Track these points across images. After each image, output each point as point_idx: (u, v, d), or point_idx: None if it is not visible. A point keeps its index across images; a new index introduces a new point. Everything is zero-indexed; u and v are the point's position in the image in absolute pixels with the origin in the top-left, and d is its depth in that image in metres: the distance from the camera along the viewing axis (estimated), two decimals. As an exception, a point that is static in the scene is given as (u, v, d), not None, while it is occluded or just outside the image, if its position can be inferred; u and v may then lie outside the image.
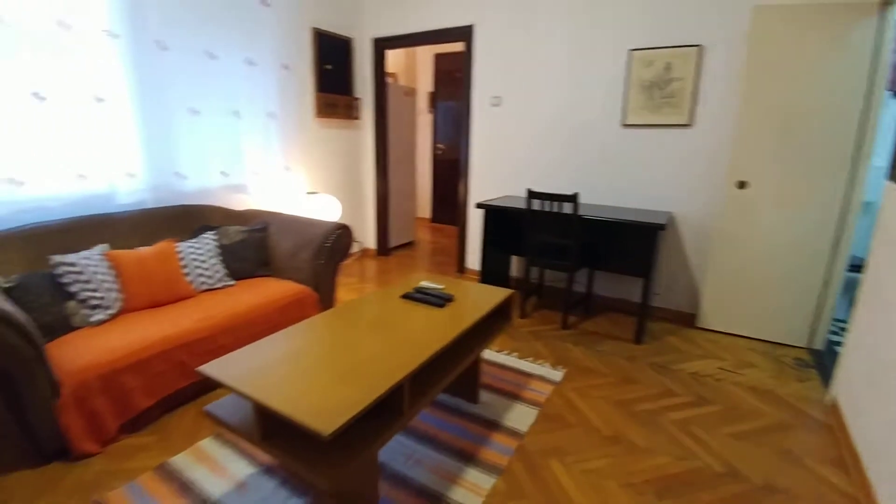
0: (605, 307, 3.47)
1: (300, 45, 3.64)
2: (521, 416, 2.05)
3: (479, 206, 3.25)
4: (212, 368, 1.37)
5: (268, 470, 1.70)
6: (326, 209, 3.63)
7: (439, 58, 6.01)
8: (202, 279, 2.55)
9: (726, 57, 2.83)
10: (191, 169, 2.96)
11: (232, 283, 2.65)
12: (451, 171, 6.05)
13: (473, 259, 4.07)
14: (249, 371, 1.36)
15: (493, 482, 1.66)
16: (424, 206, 6.50)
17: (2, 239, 2.16)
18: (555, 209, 2.90)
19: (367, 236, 4.73)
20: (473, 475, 1.69)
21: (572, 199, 2.74)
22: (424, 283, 2.11)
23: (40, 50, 2.31)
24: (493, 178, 3.87)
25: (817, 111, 2.55)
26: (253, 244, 2.79)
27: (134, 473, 1.70)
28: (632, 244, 2.99)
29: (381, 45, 4.25)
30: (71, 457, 1.77)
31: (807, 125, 2.59)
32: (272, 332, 1.73)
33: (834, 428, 2.04)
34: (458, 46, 4.82)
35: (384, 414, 1.41)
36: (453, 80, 5.87)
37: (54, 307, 2.03)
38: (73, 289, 2.12)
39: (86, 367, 1.77)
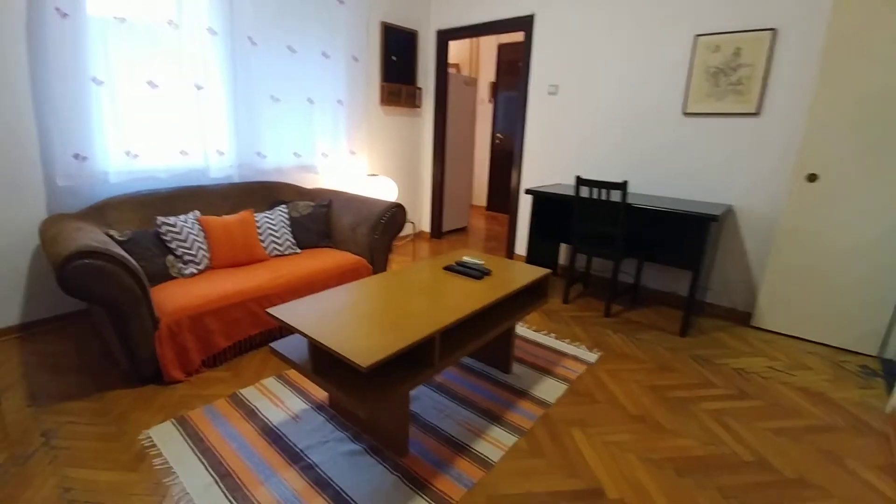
0: (653, 300, 3.44)
1: (370, 38, 3.91)
2: (550, 389, 2.17)
3: (528, 192, 3.35)
4: (277, 311, 1.64)
5: (319, 407, 1.96)
6: (385, 190, 3.89)
7: (502, 48, 6.08)
8: (274, 246, 2.88)
9: (803, 41, 2.69)
10: (270, 149, 3.33)
11: (298, 251, 2.97)
12: (508, 161, 6.13)
13: (522, 245, 4.16)
14: (308, 316, 1.61)
15: (514, 440, 1.81)
16: (480, 194, 6.63)
17: (121, 201, 2.62)
18: (603, 197, 2.94)
19: (422, 219, 4.98)
20: (497, 432, 1.84)
21: (621, 186, 2.76)
22: (466, 258, 2.27)
23: (155, 45, 2.73)
24: (547, 167, 3.93)
25: None
26: (318, 218, 3.10)
27: (211, 399, 2.03)
28: (682, 235, 2.95)
29: (444, 37, 4.43)
30: (162, 381, 2.14)
31: (885, 117, 2.42)
32: (328, 290, 1.98)
33: (891, 437, 1.95)
34: (521, 36, 4.88)
35: (417, 365, 1.60)
36: (516, 70, 5.93)
37: (157, 259, 2.43)
38: (172, 245, 2.52)
39: (179, 308, 2.13)
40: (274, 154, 3.37)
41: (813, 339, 2.82)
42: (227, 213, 2.92)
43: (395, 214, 2.95)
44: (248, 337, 2.39)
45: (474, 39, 6.23)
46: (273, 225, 2.92)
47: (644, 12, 3.24)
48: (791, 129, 2.80)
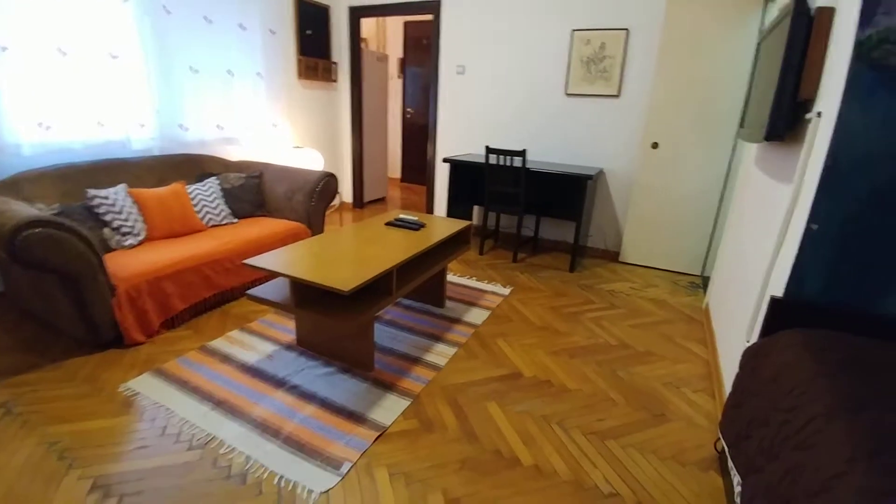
0: (549, 248, 4.17)
1: (284, 11, 3.99)
2: (476, 315, 2.70)
3: (446, 160, 3.81)
4: (255, 260, 1.91)
5: (288, 347, 2.27)
6: (311, 162, 4.08)
7: (409, 25, 6.37)
8: (209, 216, 3.00)
9: (647, 39, 3.47)
10: (192, 122, 3.35)
11: (235, 220, 3.12)
12: (419, 134, 6.52)
13: (440, 210, 4.64)
14: (283, 262, 1.91)
15: (454, 351, 2.31)
16: (395, 166, 6.96)
17: (38, 175, 2.56)
18: (507, 163, 3.50)
19: (344, 190, 5.21)
20: (440, 347, 2.33)
21: (521, 154, 3.34)
22: (402, 216, 2.68)
23: (62, 10, 2.62)
24: (458, 139, 4.42)
25: (714, 87, 3.23)
26: (250, 188, 3.25)
27: (180, 353, 2.22)
28: (567, 193, 3.65)
29: (357, 14, 4.63)
30: (124, 344, 2.26)
31: (705, 98, 3.28)
32: (287, 246, 2.27)
33: (703, 323, 2.81)
34: (427, 16, 5.22)
35: (377, 296, 1.99)
36: (422, 47, 6.27)
37: (94, 232, 2.47)
38: (107, 218, 2.55)
39: (136, 273, 2.26)
40: (196, 126, 3.39)
41: (659, 267, 3.74)
42: (153, 186, 2.95)
43: (328, 182, 3.23)
44: (202, 299, 2.56)
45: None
46: (206, 196, 3.03)
47: (533, 5, 3.80)
48: (641, 107, 3.59)
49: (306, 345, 2.26)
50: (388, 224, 2.56)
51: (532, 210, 3.80)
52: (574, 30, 3.67)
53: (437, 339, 2.42)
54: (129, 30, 2.91)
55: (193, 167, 3.24)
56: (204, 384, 1.97)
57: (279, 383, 1.99)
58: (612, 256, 3.93)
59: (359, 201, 5.23)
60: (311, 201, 3.18)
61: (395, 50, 6.57)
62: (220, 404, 1.85)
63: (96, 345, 2.24)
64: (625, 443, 1.77)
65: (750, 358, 1.35)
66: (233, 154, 3.70)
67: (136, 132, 3.03)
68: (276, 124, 4.04)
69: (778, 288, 1.49)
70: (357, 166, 5.09)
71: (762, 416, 1.07)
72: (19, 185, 2.47)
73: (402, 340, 2.37)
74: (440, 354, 2.27)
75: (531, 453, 1.70)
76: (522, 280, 3.36)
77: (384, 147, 5.62)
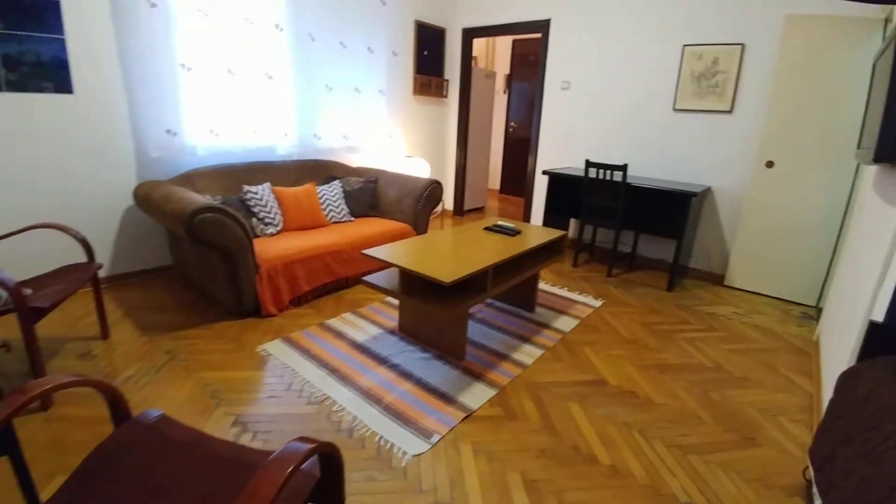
0: (646, 265, 4.06)
1: (406, 35, 4.44)
2: (565, 323, 2.78)
3: (545, 172, 3.93)
4: (372, 251, 2.22)
5: (390, 332, 2.56)
6: (419, 170, 4.45)
7: (517, 43, 6.60)
8: (332, 214, 3.45)
9: (763, 54, 3.30)
10: (324, 132, 3.88)
11: (352, 218, 3.54)
12: (520, 148, 6.68)
13: (537, 220, 4.74)
14: (393, 255, 2.19)
15: (541, 353, 2.42)
16: (494, 178, 7.18)
17: (207, 172, 3.16)
18: (607, 177, 3.52)
19: (446, 198, 5.56)
20: (528, 348, 2.45)
21: (622, 168, 3.35)
22: (500, 222, 2.85)
23: (233, 38, 3.22)
24: (559, 152, 4.51)
25: (836, 106, 2.98)
26: (367, 191, 3.66)
27: (304, 326, 2.62)
28: (669, 210, 3.55)
29: (470, 35, 4.95)
30: (260, 315, 2.72)
31: (827, 118, 3.03)
32: (397, 242, 2.56)
33: (812, 355, 2.60)
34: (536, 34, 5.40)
35: (473, 292, 2.19)
36: (528, 63, 6.45)
37: (246, 220, 2.99)
38: (255, 209, 3.07)
39: (274, 257, 2.70)
40: (327, 136, 3.92)
41: (769, 294, 3.46)
42: (291, 185, 3.47)
43: (434, 189, 3.53)
44: (323, 284, 2.96)
45: (489, 34, 6.73)
46: (331, 196, 3.48)
47: (643, 22, 3.80)
48: (755, 124, 3.40)
49: (406, 331, 2.52)
50: (486, 229, 2.75)
51: (631, 226, 3.76)
52: (685, 45, 3.60)
53: (525, 340, 2.54)
54: (282, 54, 3.48)
55: (322, 171, 3.74)
56: (322, 353, 2.32)
57: (382, 361, 2.27)
58: (716, 279, 3.73)
59: (459, 209, 5.52)
60: (418, 205, 3.49)
61: (502, 66, 6.83)
62: (334, 371, 2.17)
63: (240, 313, 2.72)
64: (708, 459, 1.75)
65: (843, 381, 1.30)
66: (354, 160, 4.19)
67: (282, 140, 3.60)
68: (392, 135, 4.48)
69: (880, 313, 1.41)
70: (460, 176, 5.40)
71: (847, 436, 1.05)
72: (193, 179, 3.09)
73: (492, 338, 2.54)
74: (527, 354, 2.39)
75: (609, 454, 1.76)
76: (615, 294, 3.34)
77: (486, 159, 5.88)
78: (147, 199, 2.70)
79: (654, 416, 2.00)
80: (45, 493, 1.41)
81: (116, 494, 1.04)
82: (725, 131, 3.55)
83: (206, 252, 2.63)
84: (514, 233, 2.68)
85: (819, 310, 3.22)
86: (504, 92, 6.85)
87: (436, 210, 5.28)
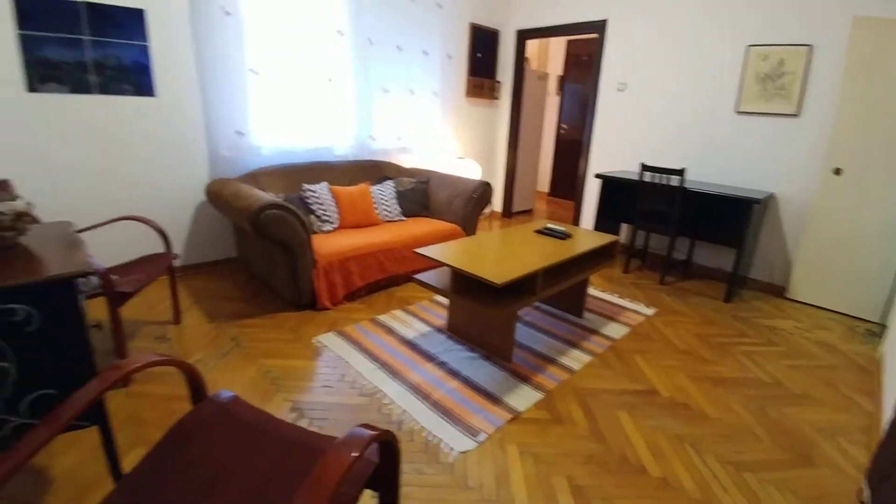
0: (702, 274, 3.90)
1: (460, 37, 4.50)
2: (614, 329, 2.73)
3: (598, 176, 3.86)
4: (425, 250, 2.28)
5: (438, 330, 2.62)
6: (470, 171, 4.49)
7: (571, 43, 6.50)
8: (385, 213, 3.55)
9: (833, 57, 3.10)
10: (379, 133, 4.01)
11: (403, 218, 3.63)
12: (571, 150, 6.58)
13: (586, 226, 4.67)
14: (445, 254, 2.24)
15: (589, 359, 2.40)
16: (543, 181, 7.11)
17: (271, 171, 3.35)
18: (663, 181, 3.42)
19: (495, 200, 5.57)
20: (575, 353, 2.44)
21: (679, 172, 3.24)
22: (550, 225, 2.85)
23: (297, 43, 3.39)
24: (611, 156, 4.42)
25: None
26: (419, 192, 3.75)
27: (356, 320, 2.72)
28: (729, 217, 3.39)
29: (523, 36, 4.94)
30: (316, 307, 2.85)
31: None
32: (448, 242, 2.62)
33: (874, 374, 2.44)
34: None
35: (522, 293, 2.20)
36: (582, 63, 6.33)
37: (305, 217, 3.15)
38: (313, 207, 3.22)
39: (331, 253, 2.83)
40: (381, 137, 4.04)
41: (834, 309, 3.25)
42: (347, 185, 3.61)
43: (484, 191, 3.56)
44: (375, 280, 3.07)
45: (542, 34, 6.67)
46: (384, 196, 3.59)
47: (704, 22, 3.66)
48: (823, 129, 3.20)
49: (454, 330, 2.57)
50: (536, 231, 2.75)
51: (687, 232, 3.62)
52: (750, 45, 3.43)
53: (573, 345, 2.53)
54: (342, 58, 3.62)
55: (376, 171, 3.86)
56: (373, 347, 2.41)
57: (430, 358, 2.33)
58: (777, 291, 3.53)
59: (507, 211, 5.52)
60: (468, 206, 3.54)
61: (555, 67, 6.75)
62: (385, 365, 2.25)
63: (298, 305, 2.86)
64: (762, 477, 1.69)
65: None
66: (406, 161, 4.29)
67: (339, 141, 3.75)
68: (444, 137, 4.55)
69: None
70: (509, 178, 5.39)
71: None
72: (258, 177, 3.28)
73: (539, 341, 2.54)
74: (575, 359, 2.38)
75: (659, 465, 1.73)
76: (668, 303, 3.24)
77: (536, 161, 5.83)
78: (218, 195, 2.90)
79: (708, 431, 1.94)
80: (125, 463, 1.57)
81: (191, 468, 1.15)
82: (791, 135, 3.35)
83: (269, 246, 2.79)
84: (564, 236, 2.66)
85: (884, 327, 2.99)
86: (556, 93, 6.76)
87: (485, 211, 5.32)
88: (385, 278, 3.12)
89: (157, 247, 2.97)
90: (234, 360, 2.29)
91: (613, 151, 4.40)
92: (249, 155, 3.36)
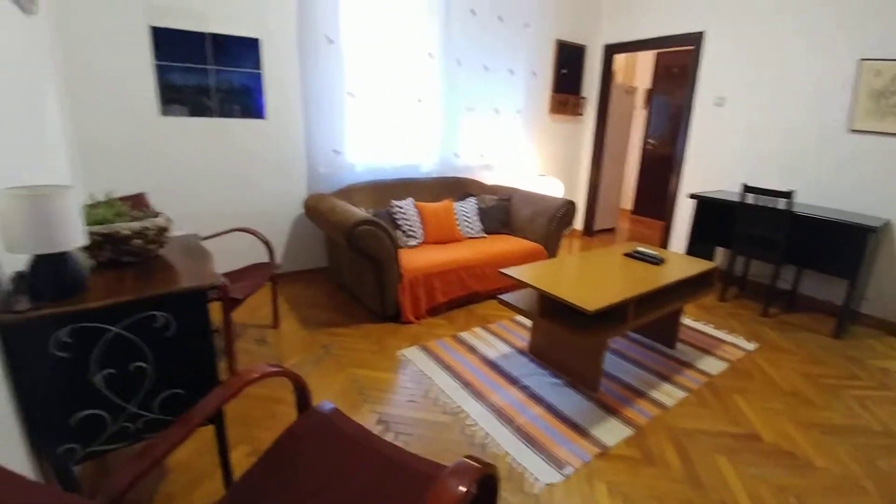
0: (808, 307, 3.52)
1: (545, 54, 4.48)
2: (711, 364, 2.54)
3: (693, 196, 3.64)
4: (510, 271, 2.28)
5: (520, 351, 2.59)
6: (552, 189, 4.43)
7: (661, 55, 6.21)
8: (467, 229, 3.60)
9: None
10: (462, 151, 4.10)
11: (485, 235, 3.66)
12: (659, 166, 6.26)
13: (676, 248, 4.40)
14: (532, 276, 2.22)
15: (683, 395, 2.25)
16: (627, 198, 6.82)
17: (362, 186, 3.53)
18: (768, 204, 3.14)
19: (576, 217, 5.44)
20: (668, 388, 2.30)
21: (787, 195, 2.96)
22: (641, 248, 2.72)
23: (390, 66, 3.56)
24: (705, 174, 4.14)
25: None
26: (500, 209, 3.76)
27: (438, 336, 2.78)
28: (841, 245, 3.04)
29: (611, 51, 4.81)
30: (399, 320, 2.94)
31: None
32: (533, 264, 2.59)
33: None
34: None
35: (612, 321, 2.12)
36: (672, 76, 6.03)
37: (393, 233, 3.27)
38: (400, 222, 3.34)
39: (416, 268, 2.91)
40: (465, 155, 4.12)
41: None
42: (431, 201, 3.71)
43: (568, 210, 3.50)
44: (456, 297, 3.11)
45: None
46: (467, 213, 3.64)
47: (812, 34, 3.35)
48: None
49: (537, 353, 2.53)
50: (626, 255, 2.65)
51: (793, 259, 3.29)
52: (862, 59, 3.09)
53: (665, 378, 2.38)
54: (431, 79, 3.75)
55: (459, 188, 3.93)
56: (455, 365, 2.44)
57: (512, 380, 2.31)
58: (892, 329, 3.12)
59: (589, 230, 5.36)
60: (551, 225, 3.48)
61: (643, 80, 6.48)
62: (467, 385, 2.27)
63: (383, 317, 2.97)
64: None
65: None
66: (488, 178, 4.33)
67: (425, 159, 3.88)
68: (526, 154, 4.54)
69: None
70: (591, 196, 5.24)
71: None
72: (351, 193, 3.47)
73: (628, 371, 2.43)
74: (667, 394, 2.24)
75: (768, 523, 1.58)
76: (771, 337, 2.96)
77: (620, 178, 5.62)
78: (315, 209, 3.11)
79: (814, 482, 1.75)
80: (231, 458, 1.71)
81: (297, 478, 1.23)
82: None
83: (359, 259, 2.94)
84: (657, 261, 2.53)
85: None
86: (644, 107, 6.49)
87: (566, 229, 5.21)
88: (466, 295, 3.16)
89: (259, 255, 3.24)
90: (325, 367, 2.43)
91: (709, 169, 4.12)
92: (343, 172, 3.57)
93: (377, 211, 3.31)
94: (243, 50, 3.06)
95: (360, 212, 2.85)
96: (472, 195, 3.84)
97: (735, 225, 3.37)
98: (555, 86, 4.63)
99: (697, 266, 2.55)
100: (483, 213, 3.70)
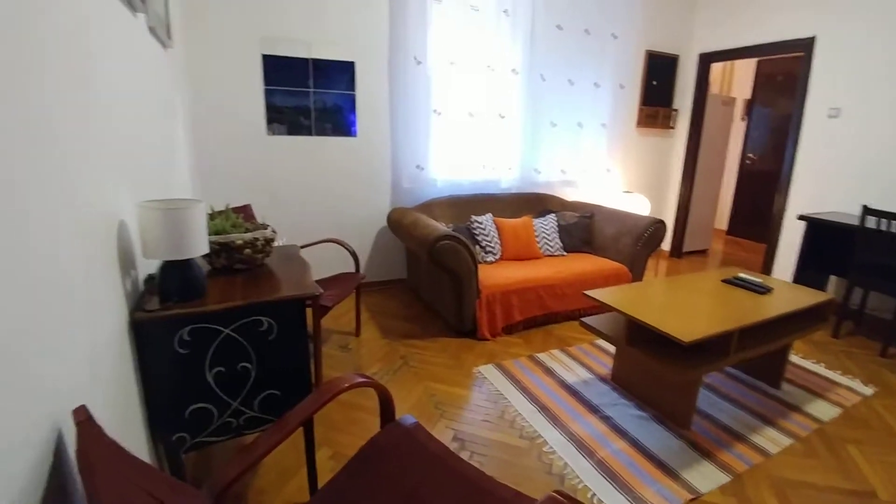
0: (953, 353, 3.00)
1: (634, 66, 4.31)
2: (821, 409, 2.25)
3: (803, 218, 3.28)
4: (595, 293, 2.19)
5: (601, 379, 2.48)
6: (637, 206, 4.22)
7: (762, 63, 5.72)
8: (546, 247, 3.53)
9: None
10: (543, 166, 4.04)
11: (564, 253, 3.56)
12: (759, 183, 5.74)
13: (780, 274, 3.98)
14: (619, 300, 2.12)
15: (789, 442, 2.01)
16: (721, 217, 6.31)
17: (442, 201, 3.59)
18: (894, 229, 2.75)
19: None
20: (771, 433, 2.07)
21: (930, 223, 2.57)
22: (743, 275, 2.50)
23: (475, 83, 3.62)
24: (816, 192, 3.72)
25: None
26: (582, 227, 3.64)
27: (514, 355, 2.73)
28: None
29: (707, 60, 4.51)
30: (475, 336, 2.93)
31: None
32: (618, 286, 2.48)
33: None
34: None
35: (709, 354, 1.95)
36: (775, 85, 5.53)
37: (472, 247, 3.30)
38: (479, 238, 3.36)
39: (494, 284, 2.90)
40: (546, 170, 4.07)
41: None
42: (509, 217, 3.69)
43: (657, 229, 3.30)
44: (534, 316, 3.05)
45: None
46: (546, 229, 3.58)
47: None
48: None
49: (620, 381, 2.40)
50: (725, 281, 2.44)
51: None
52: None
53: (768, 421, 2.15)
54: (515, 95, 3.75)
55: (538, 204, 3.88)
56: (532, 387, 2.38)
57: (593, 409, 2.21)
58: None
59: (677, 251, 5.03)
60: (637, 245, 3.31)
61: (741, 90, 6.01)
62: (545, 409, 2.20)
63: (459, 332, 2.99)
64: None
65: None
66: (570, 195, 4.23)
67: (505, 174, 3.88)
68: (610, 170, 4.37)
69: None
70: (681, 214, 4.92)
71: None
72: (431, 207, 3.55)
73: (723, 410, 2.22)
74: (770, 440, 2.02)
75: None
76: (892, 381, 2.57)
77: (715, 195, 5.22)
78: (398, 222, 3.21)
79: None
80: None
81: (380, 491, 1.25)
82: None
83: (438, 273, 2.99)
84: (763, 290, 2.31)
85: None
86: (742, 119, 6.00)
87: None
88: (543, 314, 3.08)
89: (345, 265, 3.41)
90: (403, 378, 2.48)
91: (821, 188, 3.70)
92: (426, 187, 3.66)
93: (456, 226, 3.35)
94: (339, 73, 3.27)
95: (441, 226, 2.90)
96: (552, 211, 3.76)
97: (853, 251, 2.99)
98: (643, 98, 4.43)
99: (809, 297, 2.29)
100: (563, 231, 3.61)
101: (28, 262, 0.74)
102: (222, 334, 1.45)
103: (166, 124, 2.03)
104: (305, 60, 3.16)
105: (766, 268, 4.11)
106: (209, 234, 1.64)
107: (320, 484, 1.65)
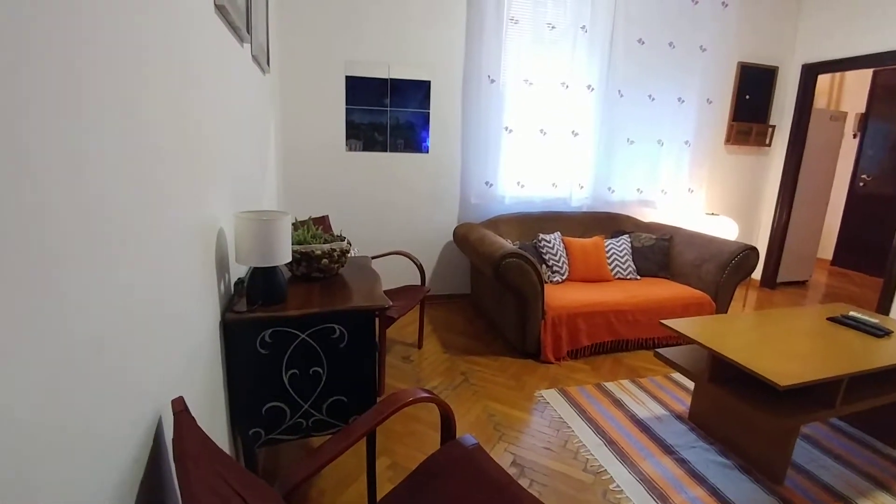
0: None
1: (725, 79, 4.02)
2: (959, 480, 1.90)
3: (929, 252, 2.84)
4: (673, 323, 2.03)
5: (677, 416, 2.28)
6: (722, 230, 3.89)
7: (879, 73, 5.10)
8: (617, 269, 3.36)
9: None
10: (617, 185, 3.87)
11: (638, 277, 3.36)
12: (875, 208, 5.08)
13: (896, 313, 3.48)
14: (703, 333, 1.95)
15: (913, 514, 1.71)
16: (827, 245, 5.64)
17: (510, 218, 3.54)
18: None
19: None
20: (884, 498, 1.77)
21: None
22: (855, 313, 2.20)
23: (548, 101, 3.57)
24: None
25: None
26: (659, 250, 3.43)
27: (579, 382, 2.60)
28: None
29: (813, 71, 4.11)
30: (538, 359, 2.83)
31: None
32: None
33: None
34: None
35: (810, 402, 1.73)
36: (894, 97, 4.89)
37: (538, 266, 3.22)
38: (546, 256, 3.27)
39: (560, 306, 2.80)
40: (620, 189, 3.89)
41: None
42: (579, 236, 3.56)
43: (748, 256, 3.02)
44: (602, 342, 2.90)
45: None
46: (618, 251, 3.40)
47: None
48: None
49: (699, 422, 2.20)
50: (831, 319, 2.16)
51: None
52: None
53: (879, 484, 1.85)
54: (589, 112, 3.64)
55: (611, 224, 3.71)
56: (598, 418, 2.25)
57: (667, 450, 2.03)
58: None
59: (770, 281, 4.54)
60: (723, 273, 3.04)
61: (852, 103, 5.39)
62: (612, 443, 2.06)
63: (522, 352, 2.91)
64: None
65: None
66: (646, 215, 4.00)
67: (576, 192, 3.76)
68: (692, 189, 4.09)
69: None
70: (777, 240, 4.46)
71: None
72: (498, 223, 3.52)
73: (825, 467, 1.95)
74: (885, 507, 1.74)
75: None
76: None
77: (819, 222, 4.67)
78: (464, 238, 3.22)
79: None
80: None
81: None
82: None
83: (502, 291, 2.94)
84: (880, 332, 2.01)
85: None
86: (854, 136, 5.37)
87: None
88: (613, 341, 2.92)
89: (411, 277, 3.47)
90: (463, 395, 2.45)
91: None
92: (493, 203, 3.65)
93: (523, 243, 3.29)
94: (415, 91, 3.37)
95: (508, 244, 2.86)
96: (625, 232, 3.58)
97: None
98: (734, 113, 4.11)
99: (940, 344, 1.96)
100: (637, 253, 3.42)
101: (152, 266, 0.84)
102: (299, 338, 1.52)
103: (262, 141, 2.20)
104: (385, 80, 3.30)
105: (883, 306, 3.59)
106: (292, 244, 1.74)
107: (378, 492, 1.66)
